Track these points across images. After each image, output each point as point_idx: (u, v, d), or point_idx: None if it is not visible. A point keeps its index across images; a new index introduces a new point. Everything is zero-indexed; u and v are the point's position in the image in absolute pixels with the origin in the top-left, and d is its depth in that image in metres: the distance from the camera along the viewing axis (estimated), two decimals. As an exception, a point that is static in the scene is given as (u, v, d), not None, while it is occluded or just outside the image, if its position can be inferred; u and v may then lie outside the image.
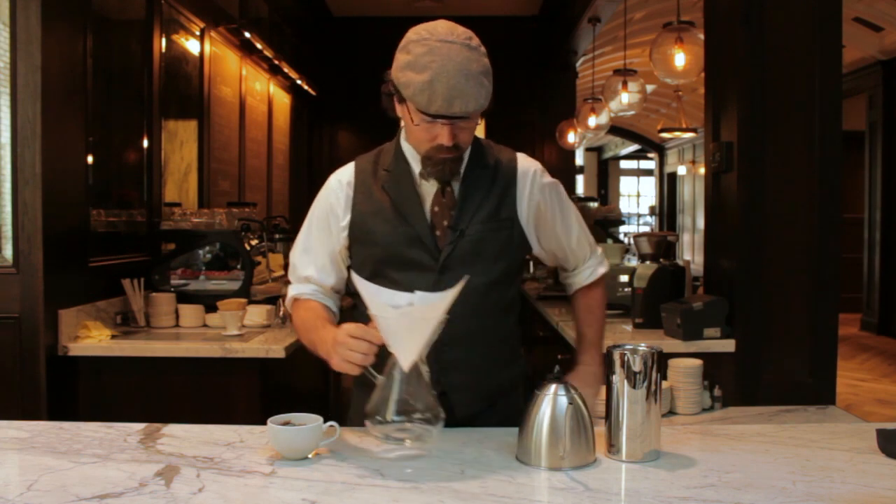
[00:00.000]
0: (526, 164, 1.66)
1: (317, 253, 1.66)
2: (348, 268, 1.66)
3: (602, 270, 1.79)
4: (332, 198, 1.64)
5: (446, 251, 1.56)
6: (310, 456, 1.35)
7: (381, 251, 1.58)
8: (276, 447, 1.35)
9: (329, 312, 1.65)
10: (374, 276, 1.59)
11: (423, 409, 1.32)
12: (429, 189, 1.59)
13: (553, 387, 1.32)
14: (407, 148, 1.62)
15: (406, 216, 1.57)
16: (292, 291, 1.69)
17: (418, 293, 1.35)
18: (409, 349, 1.31)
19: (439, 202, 1.58)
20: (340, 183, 1.64)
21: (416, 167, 1.59)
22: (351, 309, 1.74)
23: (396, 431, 1.32)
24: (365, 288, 1.37)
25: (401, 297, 1.35)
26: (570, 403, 1.30)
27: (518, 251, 1.65)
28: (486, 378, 1.62)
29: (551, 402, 1.31)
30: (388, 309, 1.32)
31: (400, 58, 1.49)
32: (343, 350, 1.35)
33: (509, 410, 1.66)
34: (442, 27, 1.48)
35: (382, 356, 1.35)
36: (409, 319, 1.30)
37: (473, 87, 1.43)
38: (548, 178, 1.67)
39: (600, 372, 1.67)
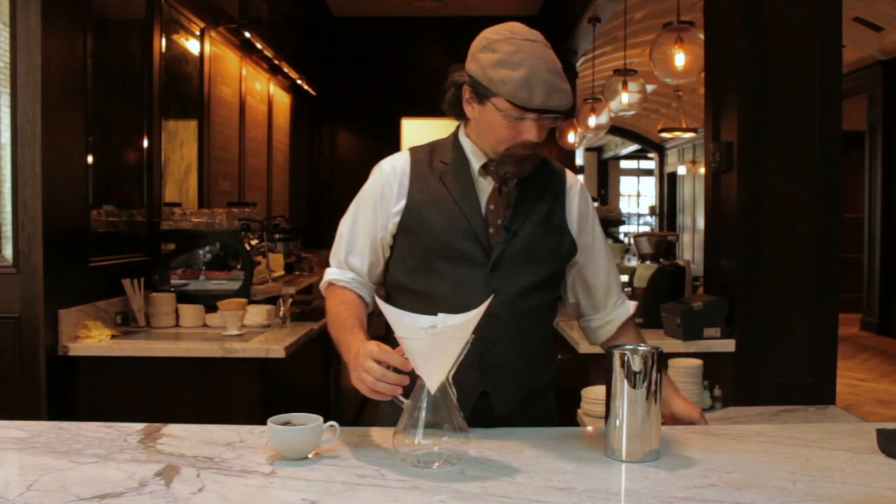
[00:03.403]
0: (574, 177, 1.71)
1: (361, 237, 1.64)
2: (406, 286, 1.62)
3: (633, 305, 1.78)
4: (385, 183, 1.61)
5: (498, 249, 1.56)
6: (310, 456, 1.35)
7: (434, 242, 1.57)
8: (277, 447, 1.35)
9: (364, 305, 1.64)
10: (423, 267, 1.58)
11: (452, 432, 1.30)
12: (485, 186, 1.59)
13: None
14: (467, 144, 1.61)
15: (463, 209, 1.57)
16: (330, 275, 1.67)
17: (441, 315, 1.33)
18: (436, 371, 1.29)
19: (495, 200, 1.59)
20: (395, 169, 1.62)
21: (476, 163, 1.60)
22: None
23: (425, 455, 1.30)
24: (388, 311, 1.35)
25: (424, 320, 1.33)
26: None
27: (566, 258, 1.66)
28: (525, 378, 1.62)
29: None
30: (416, 331, 1.29)
31: (485, 57, 1.49)
32: (360, 372, 1.34)
33: (541, 412, 1.68)
34: (519, 27, 1.52)
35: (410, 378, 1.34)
36: (436, 341, 1.28)
37: (564, 84, 1.48)
38: (586, 191, 1.73)
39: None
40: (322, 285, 1.69)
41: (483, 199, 1.59)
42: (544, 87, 1.45)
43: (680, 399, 1.66)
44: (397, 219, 1.60)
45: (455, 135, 1.65)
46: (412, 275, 1.60)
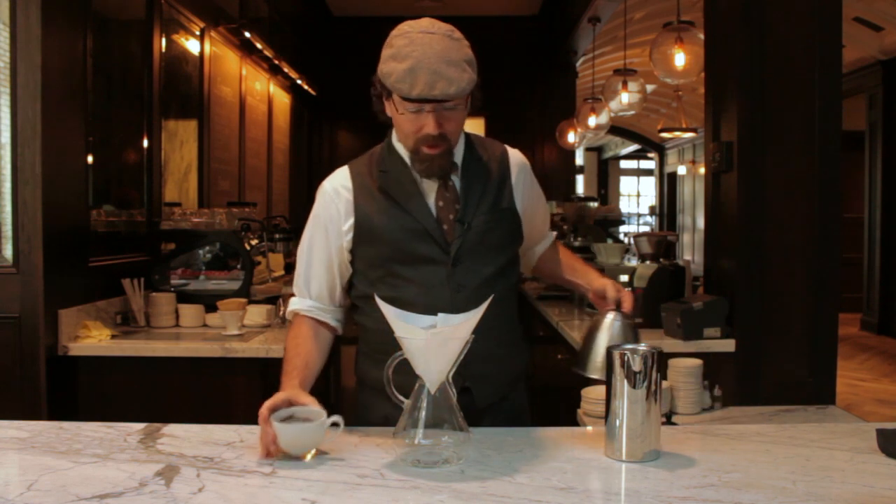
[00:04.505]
0: (516, 155, 1.72)
1: (316, 263, 1.65)
2: (372, 295, 1.63)
3: (554, 234, 1.89)
4: (331, 205, 1.63)
5: (456, 244, 1.57)
6: (310, 455, 1.35)
7: (389, 249, 1.58)
8: (280, 443, 1.34)
9: (322, 333, 1.66)
10: (386, 275, 1.59)
11: (452, 432, 1.31)
12: (430, 184, 1.60)
13: (612, 313, 1.52)
14: (400, 147, 1.63)
15: (411, 212, 1.57)
16: (292, 305, 1.69)
17: (441, 315, 1.35)
18: (436, 371, 1.30)
19: (443, 196, 1.59)
20: (336, 189, 1.63)
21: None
22: (352, 309, 1.74)
23: (426, 455, 1.30)
24: (388, 311, 1.35)
25: (424, 320, 1.34)
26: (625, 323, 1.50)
27: (519, 239, 1.70)
28: (502, 367, 1.64)
29: (610, 324, 1.50)
30: (416, 331, 1.30)
31: (384, 53, 1.51)
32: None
33: (517, 402, 1.70)
34: (424, 21, 1.52)
35: (408, 376, 1.33)
36: (436, 341, 1.28)
37: (455, 72, 1.45)
38: (529, 165, 1.75)
39: None
40: (288, 315, 1.71)
41: (430, 199, 1.59)
42: (428, 76, 1.44)
43: (596, 275, 1.71)
44: (350, 235, 1.61)
45: (388, 141, 1.66)
46: (377, 284, 1.60)
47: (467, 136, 1.67)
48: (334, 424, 1.38)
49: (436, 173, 1.56)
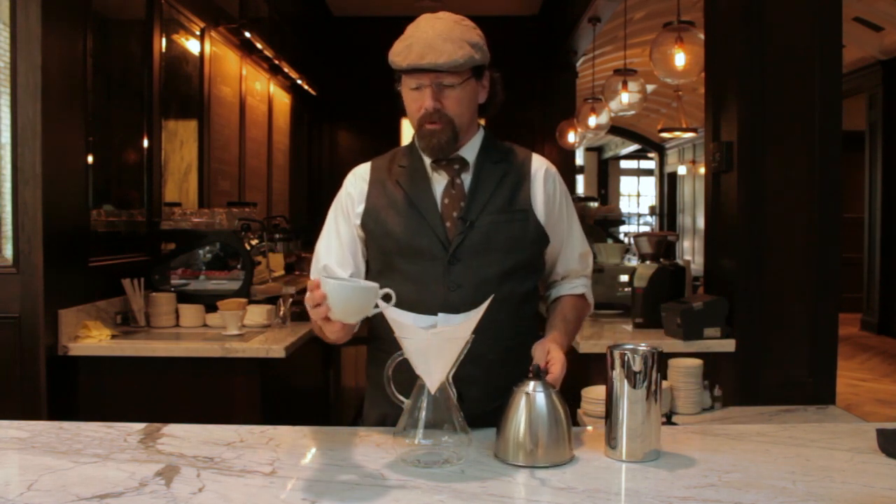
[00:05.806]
0: (541, 160, 1.70)
1: (337, 243, 1.66)
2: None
3: (591, 296, 1.77)
4: (350, 188, 1.68)
5: (456, 242, 1.56)
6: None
7: (392, 242, 1.59)
8: (329, 302, 1.28)
9: None
10: (385, 268, 1.60)
11: (452, 432, 1.30)
12: (440, 181, 1.61)
13: (531, 384, 1.34)
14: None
15: (417, 207, 1.59)
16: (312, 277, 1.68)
17: (441, 315, 1.35)
18: (436, 371, 1.30)
19: (449, 194, 1.60)
20: (356, 176, 1.69)
21: (428, 159, 1.62)
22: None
23: (426, 455, 1.30)
24: (388, 311, 1.35)
25: (424, 320, 1.34)
26: (547, 399, 1.32)
27: (534, 245, 1.63)
28: (498, 373, 1.55)
29: (528, 399, 1.32)
30: (416, 331, 1.30)
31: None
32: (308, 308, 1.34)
33: None
34: (439, 12, 1.58)
35: (408, 377, 1.32)
36: (437, 341, 1.28)
37: (449, 46, 1.50)
38: (560, 179, 1.71)
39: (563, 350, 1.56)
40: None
41: (438, 194, 1.60)
42: (420, 48, 1.49)
43: (552, 335, 1.58)
44: (358, 221, 1.65)
45: (414, 139, 1.69)
46: (377, 278, 1.59)
47: (486, 137, 1.66)
48: (386, 297, 1.34)
49: (436, 149, 1.57)
